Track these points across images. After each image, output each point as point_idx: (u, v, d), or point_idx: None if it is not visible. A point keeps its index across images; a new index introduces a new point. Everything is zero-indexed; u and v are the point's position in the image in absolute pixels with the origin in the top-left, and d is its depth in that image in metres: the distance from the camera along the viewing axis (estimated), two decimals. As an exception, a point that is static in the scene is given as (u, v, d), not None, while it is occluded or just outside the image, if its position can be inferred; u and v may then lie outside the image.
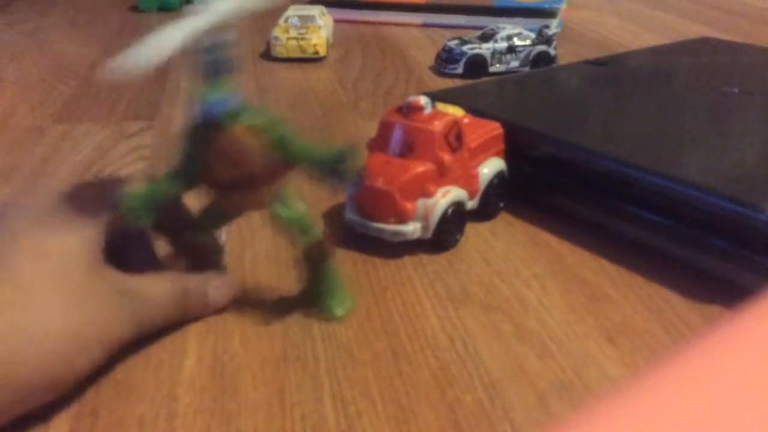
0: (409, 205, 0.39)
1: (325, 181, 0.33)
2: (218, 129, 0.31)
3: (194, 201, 0.35)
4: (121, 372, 0.32)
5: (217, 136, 0.31)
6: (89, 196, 0.32)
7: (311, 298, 0.35)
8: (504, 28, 0.75)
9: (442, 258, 0.40)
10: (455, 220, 0.40)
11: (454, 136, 0.40)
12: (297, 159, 0.33)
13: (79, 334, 0.28)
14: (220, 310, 0.35)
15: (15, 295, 0.27)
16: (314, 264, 0.34)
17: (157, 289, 0.33)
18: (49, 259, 0.29)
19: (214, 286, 0.35)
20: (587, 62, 0.60)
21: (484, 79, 0.58)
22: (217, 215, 0.35)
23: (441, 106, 0.41)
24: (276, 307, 0.36)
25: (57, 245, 0.29)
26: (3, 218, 0.31)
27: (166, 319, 0.33)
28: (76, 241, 0.30)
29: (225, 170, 0.32)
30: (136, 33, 0.94)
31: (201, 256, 0.36)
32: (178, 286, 0.33)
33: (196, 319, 0.35)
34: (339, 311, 0.35)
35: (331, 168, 0.33)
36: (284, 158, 0.33)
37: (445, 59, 0.73)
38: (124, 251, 0.34)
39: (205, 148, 0.31)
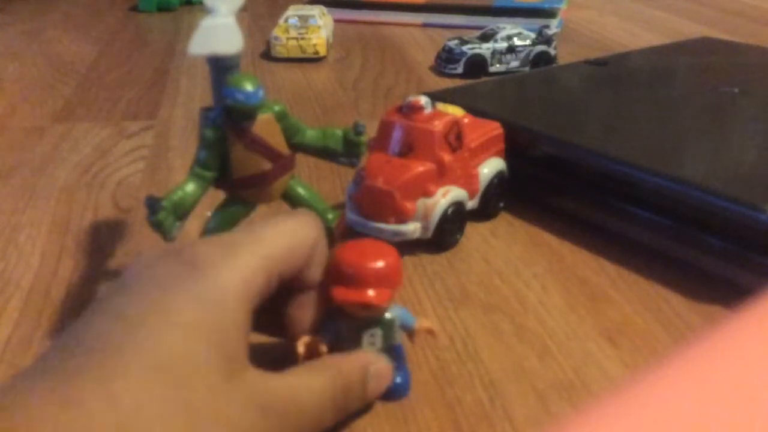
0: (409, 205, 0.39)
1: (338, 159, 0.37)
2: (251, 117, 0.33)
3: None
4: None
5: (249, 124, 0.33)
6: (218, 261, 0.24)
7: None
8: (504, 28, 0.75)
9: (442, 258, 0.40)
10: (455, 219, 0.40)
11: (454, 136, 0.40)
12: (311, 142, 0.36)
13: None
14: None
15: (118, 422, 0.20)
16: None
17: (312, 394, 0.25)
18: (163, 372, 0.21)
19: (376, 375, 0.27)
20: (587, 62, 0.60)
21: (484, 79, 0.58)
22: (232, 213, 0.36)
23: (441, 106, 0.41)
24: None
25: (171, 349, 0.21)
26: (108, 299, 0.23)
27: (320, 428, 0.25)
28: (202, 340, 0.22)
29: (253, 158, 0.33)
30: (135, 33, 0.94)
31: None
32: (337, 382, 0.25)
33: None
34: None
35: (348, 140, 0.37)
36: (299, 143, 0.36)
37: (445, 59, 0.73)
38: None
39: (234, 137, 0.33)
